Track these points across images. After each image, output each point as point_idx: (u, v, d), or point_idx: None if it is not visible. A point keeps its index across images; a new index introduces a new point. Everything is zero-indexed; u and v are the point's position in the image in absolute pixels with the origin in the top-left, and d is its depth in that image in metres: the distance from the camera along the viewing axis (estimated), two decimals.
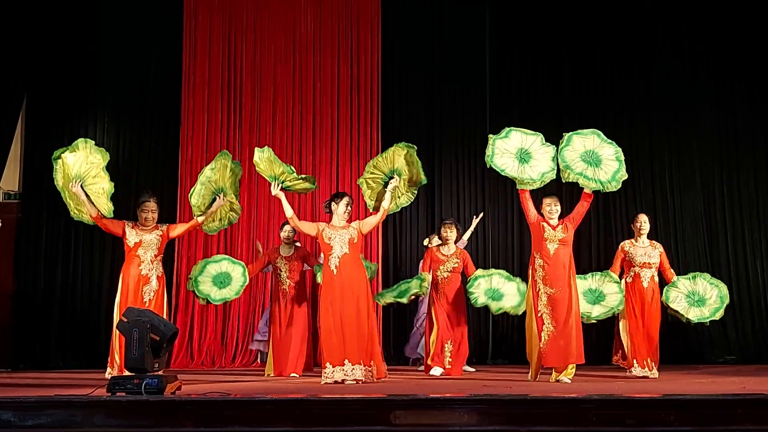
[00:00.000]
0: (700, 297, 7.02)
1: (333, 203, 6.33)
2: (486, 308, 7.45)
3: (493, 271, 7.55)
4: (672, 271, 7.12)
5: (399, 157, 6.38)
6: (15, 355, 9.06)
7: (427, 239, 8.38)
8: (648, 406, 3.98)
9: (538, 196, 6.44)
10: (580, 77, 10.00)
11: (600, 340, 8.41)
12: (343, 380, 5.95)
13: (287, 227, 7.33)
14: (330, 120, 9.78)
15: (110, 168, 6.62)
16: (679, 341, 9.08)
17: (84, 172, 6.45)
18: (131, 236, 6.49)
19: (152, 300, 6.40)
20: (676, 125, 9.89)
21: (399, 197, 6.54)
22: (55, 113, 9.61)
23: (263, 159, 6.29)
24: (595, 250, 9.65)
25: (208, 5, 9.88)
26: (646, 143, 9.81)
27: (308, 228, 6.36)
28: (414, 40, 10.13)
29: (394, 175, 6.38)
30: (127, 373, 5.05)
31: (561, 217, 6.41)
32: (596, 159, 6.22)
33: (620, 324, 7.04)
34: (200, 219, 6.64)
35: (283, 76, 9.83)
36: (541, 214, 6.38)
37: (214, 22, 9.85)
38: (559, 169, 6.24)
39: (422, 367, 7.90)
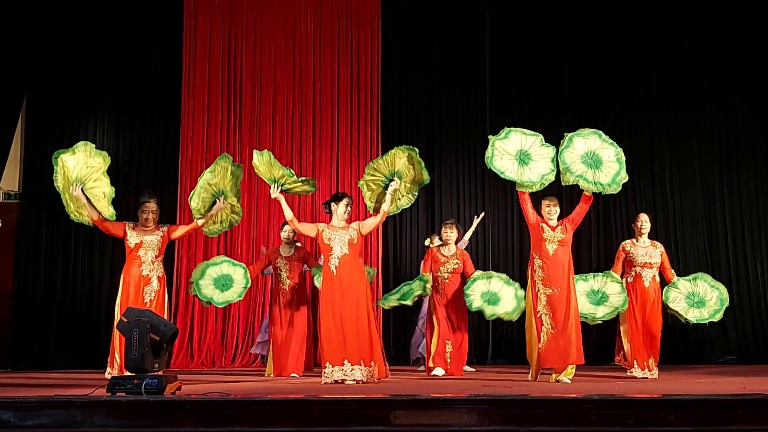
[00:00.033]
0: (700, 298, 7.00)
1: (333, 204, 6.33)
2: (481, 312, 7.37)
3: (492, 273, 7.47)
4: (672, 271, 7.10)
5: (400, 159, 6.37)
6: (15, 355, 9.07)
7: (428, 239, 8.37)
8: (648, 406, 3.98)
9: (537, 196, 6.43)
10: (580, 77, 9.99)
11: (600, 340, 8.42)
12: (342, 380, 5.95)
13: (287, 228, 7.32)
14: (330, 120, 9.78)
15: (110, 168, 6.62)
16: (679, 341, 9.08)
17: (84, 175, 6.45)
18: (132, 237, 6.49)
19: (153, 300, 6.40)
20: (676, 125, 9.89)
21: (399, 199, 6.53)
22: (55, 113, 9.61)
23: (262, 162, 6.28)
24: (595, 250, 9.65)
25: (208, 5, 9.88)
26: (646, 143, 9.80)
27: (308, 229, 6.35)
28: (414, 40, 10.13)
29: (394, 177, 6.38)
30: (127, 373, 5.05)
31: (560, 217, 6.41)
32: (597, 161, 6.20)
33: (621, 326, 7.03)
34: (200, 222, 6.64)
35: (283, 76, 9.82)
36: (540, 215, 6.38)
37: (214, 22, 9.85)
38: (559, 171, 6.23)
39: (423, 367, 7.91)
